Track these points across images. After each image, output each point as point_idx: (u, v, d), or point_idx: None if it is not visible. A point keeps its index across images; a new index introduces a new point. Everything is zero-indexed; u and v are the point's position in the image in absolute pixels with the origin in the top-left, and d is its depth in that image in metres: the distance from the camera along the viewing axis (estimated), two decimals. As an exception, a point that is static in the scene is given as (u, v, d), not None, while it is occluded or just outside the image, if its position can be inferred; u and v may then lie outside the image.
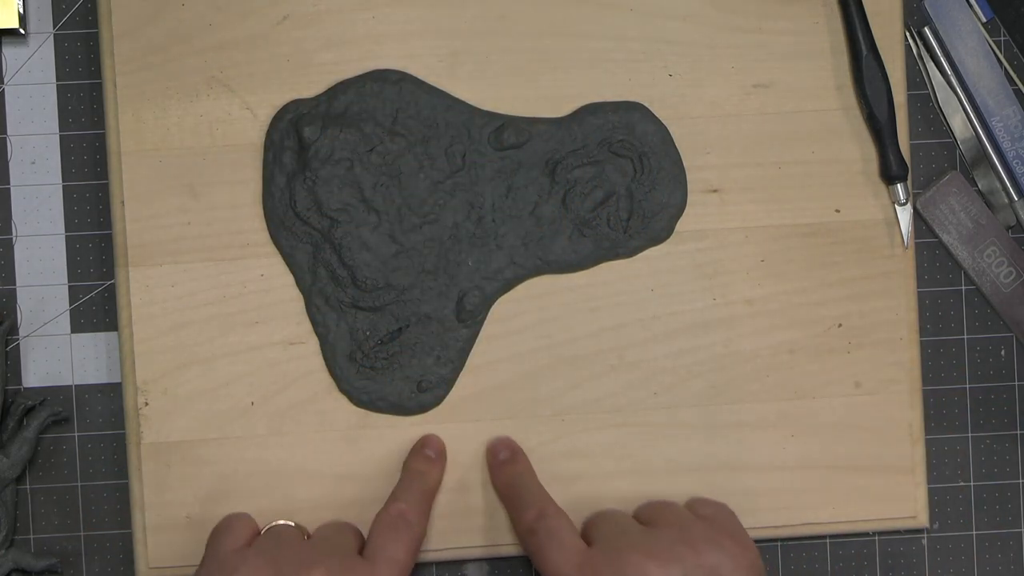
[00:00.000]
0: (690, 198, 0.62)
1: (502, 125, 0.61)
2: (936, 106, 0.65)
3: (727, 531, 0.57)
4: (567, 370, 0.62)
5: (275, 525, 0.59)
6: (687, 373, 0.62)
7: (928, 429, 0.64)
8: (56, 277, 0.63)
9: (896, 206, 0.62)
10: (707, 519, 0.58)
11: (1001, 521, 0.65)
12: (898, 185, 0.62)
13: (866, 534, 0.64)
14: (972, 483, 0.65)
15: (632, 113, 0.62)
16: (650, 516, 0.58)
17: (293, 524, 0.59)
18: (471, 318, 0.61)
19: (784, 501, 0.62)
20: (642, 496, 0.62)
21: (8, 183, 0.63)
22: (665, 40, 0.62)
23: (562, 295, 0.62)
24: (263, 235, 0.61)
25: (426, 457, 0.60)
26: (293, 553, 0.55)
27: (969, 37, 0.65)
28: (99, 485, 0.63)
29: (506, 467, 0.60)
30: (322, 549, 0.56)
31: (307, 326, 0.61)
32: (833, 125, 0.62)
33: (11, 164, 0.63)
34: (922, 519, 0.62)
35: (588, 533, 0.58)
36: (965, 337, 0.65)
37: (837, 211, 0.62)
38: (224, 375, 0.61)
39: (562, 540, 0.56)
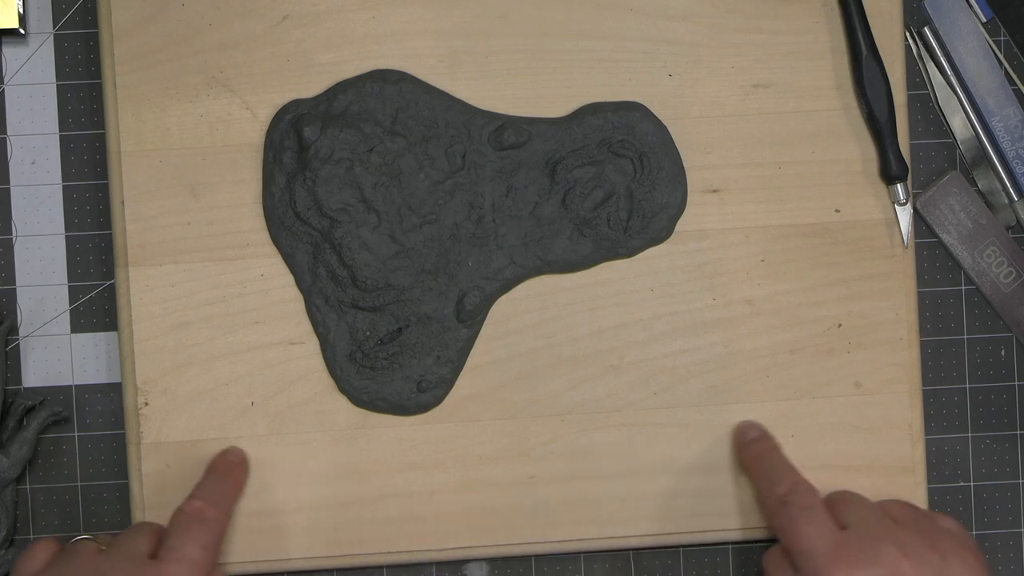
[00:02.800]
0: (690, 198, 0.62)
1: (502, 125, 0.61)
2: (936, 106, 0.65)
3: (971, 549, 0.57)
4: (567, 370, 0.62)
5: (72, 542, 0.58)
6: (687, 373, 0.62)
7: (928, 429, 0.64)
8: (56, 277, 0.63)
9: (896, 206, 0.62)
10: (950, 533, 0.57)
11: (1001, 521, 0.65)
12: (898, 185, 0.62)
13: (866, 534, 0.64)
14: (972, 483, 0.65)
15: (632, 113, 0.61)
16: (898, 514, 0.58)
17: (91, 537, 0.58)
18: (471, 318, 0.61)
19: (784, 501, 0.62)
20: (642, 496, 0.62)
21: (8, 183, 0.63)
22: (665, 40, 0.62)
23: (562, 295, 0.62)
24: (263, 235, 0.61)
25: (228, 460, 0.60)
26: (85, 568, 0.55)
27: (969, 37, 0.65)
28: (99, 485, 0.63)
29: (756, 444, 0.60)
30: (114, 559, 0.55)
31: (307, 326, 0.61)
32: (833, 125, 0.62)
33: (11, 164, 0.63)
34: (922, 519, 0.62)
35: (836, 513, 0.57)
36: (965, 337, 0.65)
37: (837, 211, 0.62)
38: (224, 375, 0.61)
39: (816, 516, 0.56)
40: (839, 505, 0.58)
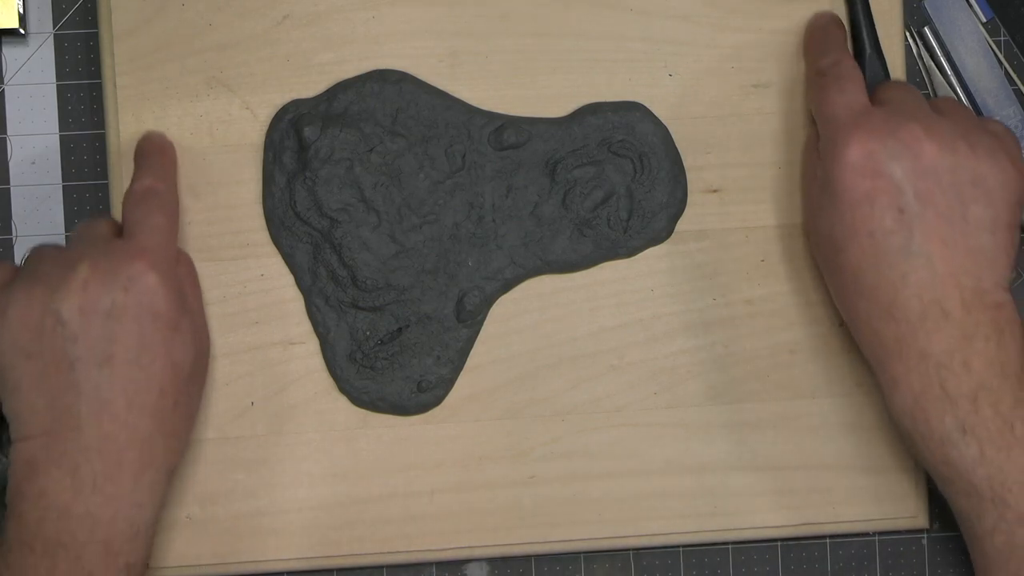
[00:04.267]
0: (690, 198, 0.62)
1: (502, 125, 0.61)
2: (936, 106, 0.65)
3: (1008, 151, 0.54)
4: (567, 370, 0.62)
5: (31, 249, 0.56)
6: (687, 373, 0.62)
7: (928, 429, 0.64)
8: (56, 277, 0.63)
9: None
10: (993, 134, 0.55)
11: (1001, 521, 0.65)
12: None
13: (866, 534, 0.64)
14: (972, 483, 0.65)
15: (632, 113, 0.62)
16: (942, 107, 0.56)
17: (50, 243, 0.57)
18: (471, 318, 0.61)
19: (784, 501, 0.62)
20: (642, 496, 0.62)
21: (8, 183, 0.63)
22: (665, 40, 0.62)
23: (562, 295, 0.62)
24: (263, 235, 0.61)
25: (153, 141, 0.59)
26: (54, 262, 0.54)
27: (969, 37, 0.65)
28: (99, 485, 0.63)
29: (824, 27, 0.59)
30: (81, 246, 0.54)
31: (307, 326, 0.61)
32: (833, 125, 0.62)
33: (11, 164, 0.63)
34: (922, 519, 0.62)
35: (876, 95, 0.57)
36: (965, 337, 0.65)
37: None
38: (224, 375, 0.61)
39: (848, 87, 0.55)
40: (881, 88, 0.57)
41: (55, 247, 0.56)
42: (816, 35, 0.60)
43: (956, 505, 0.54)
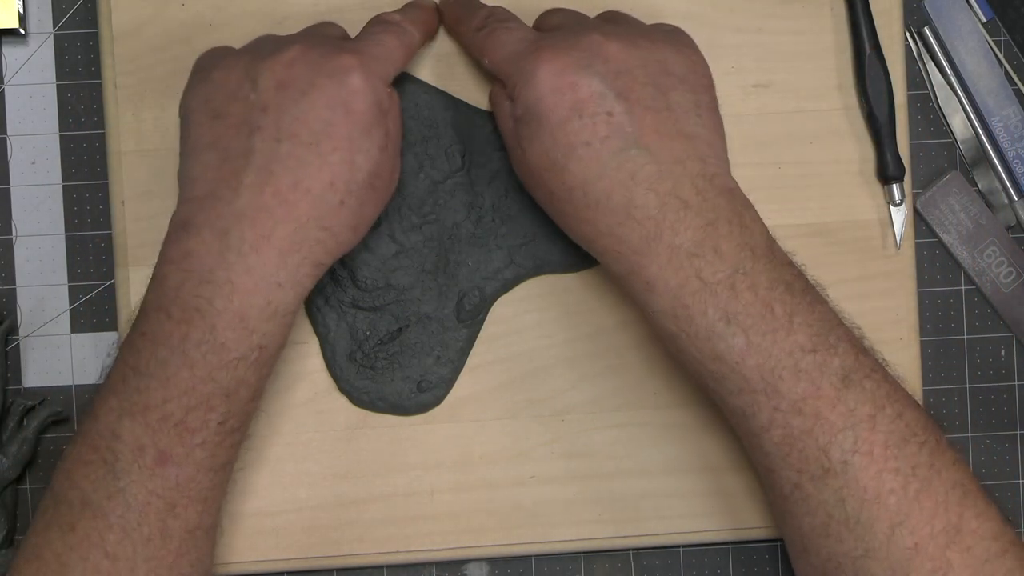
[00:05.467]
0: (690, 198, 0.62)
1: (502, 125, 0.61)
2: (936, 106, 0.65)
3: (685, 41, 0.56)
4: (567, 370, 0.62)
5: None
6: (687, 373, 0.62)
7: (928, 429, 0.64)
8: (56, 277, 0.63)
9: (891, 207, 0.62)
10: (666, 29, 0.56)
11: (1001, 521, 0.65)
12: (893, 185, 0.62)
13: (866, 534, 0.64)
14: (972, 483, 0.65)
15: (632, 113, 0.61)
16: (609, 16, 0.57)
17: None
18: (471, 318, 0.61)
19: (784, 501, 0.62)
20: (642, 496, 0.62)
21: (8, 183, 0.63)
22: (665, 40, 0.62)
23: (562, 295, 0.62)
24: (263, 235, 0.61)
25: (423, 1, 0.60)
26: (273, 41, 0.54)
27: (969, 37, 0.65)
28: (99, 485, 0.63)
29: (451, 3, 0.60)
30: (304, 34, 0.55)
31: (307, 326, 0.61)
32: (833, 125, 0.62)
33: (11, 164, 0.63)
34: (922, 519, 0.62)
35: (541, 25, 0.57)
36: (965, 337, 0.65)
37: (837, 211, 0.62)
38: (224, 375, 0.61)
39: (513, 26, 0.56)
40: (544, 17, 0.58)
41: (280, 35, 0.56)
42: (452, 7, 0.60)
43: (730, 405, 0.53)
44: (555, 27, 0.57)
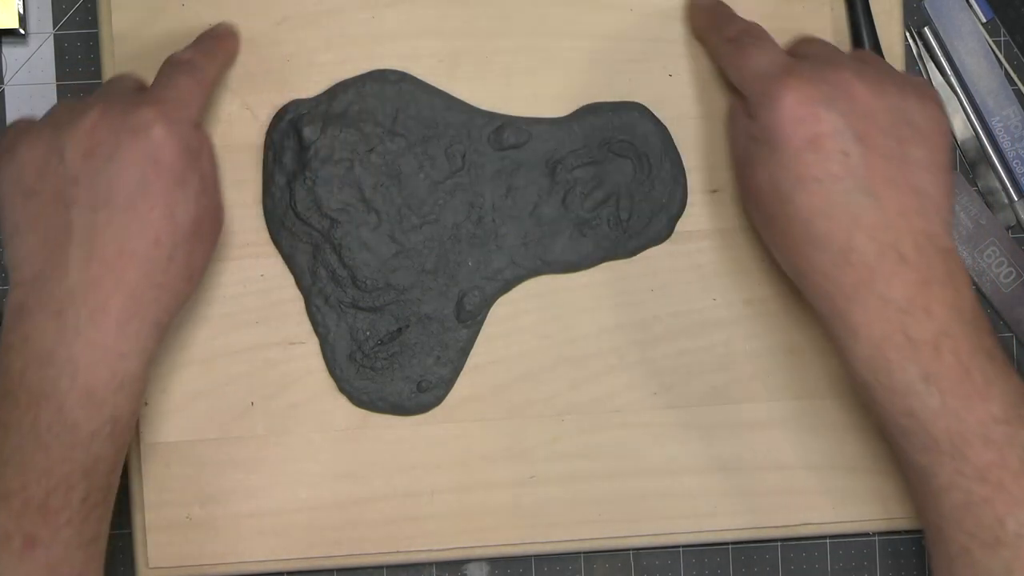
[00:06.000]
0: (690, 198, 0.62)
1: (502, 125, 0.61)
2: (936, 106, 0.65)
3: (931, 95, 0.55)
4: (567, 370, 0.62)
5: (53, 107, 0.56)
6: (687, 373, 0.62)
7: (928, 429, 0.64)
8: (56, 277, 0.63)
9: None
10: (914, 80, 0.55)
11: (1001, 521, 0.65)
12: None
13: (866, 534, 0.64)
14: (972, 483, 0.65)
15: (632, 113, 0.61)
16: (860, 55, 0.57)
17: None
18: (471, 318, 0.61)
19: (784, 501, 0.62)
20: (642, 496, 0.62)
21: (8, 183, 0.63)
22: (665, 40, 0.62)
23: (562, 295, 0.62)
24: (263, 235, 0.61)
25: (218, 30, 0.59)
26: (70, 108, 0.53)
27: (969, 37, 0.65)
28: (99, 485, 0.63)
29: (709, 5, 0.59)
30: (100, 95, 0.54)
31: (307, 326, 0.61)
32: (833, 125, 0.62)
33: (11, 164, 0.63)
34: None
35: (794, 51, 0.57)
36: (965, 337, 0.65)
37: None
38: (224, 375, 0.61)
39: (767, 45, 0.55)
40: (799, 44, 0.57)
41: (78, 98, 0.55)
42: (703, 13, 0.60)
43: (912, 462, 0.52)
44: (807, 56, 0.56)
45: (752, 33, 0.57)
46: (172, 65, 0.56)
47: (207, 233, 0.55)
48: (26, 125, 0.54)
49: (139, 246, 0.51)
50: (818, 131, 0.52)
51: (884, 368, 0.51)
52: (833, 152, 0.52)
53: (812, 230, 0.52)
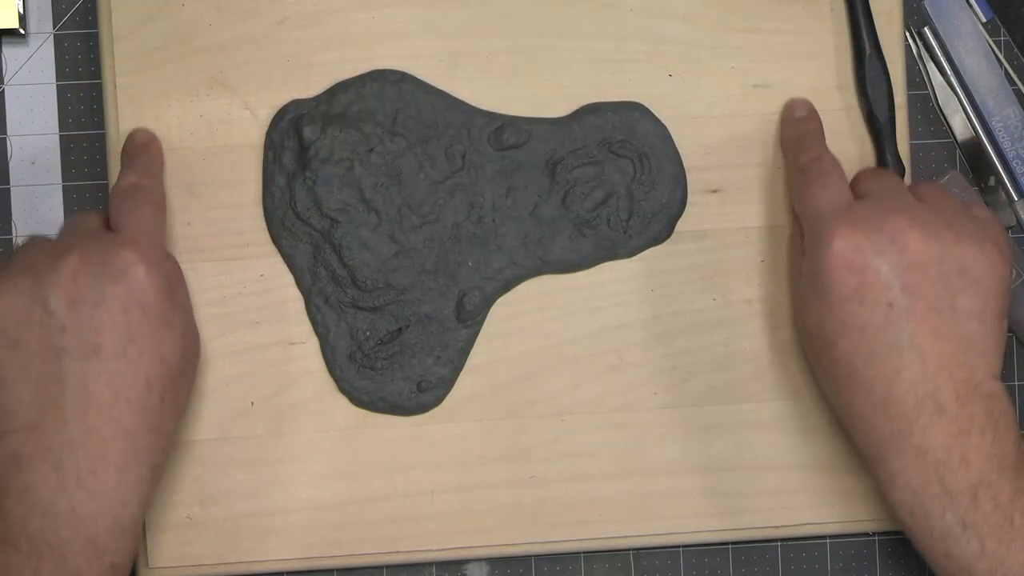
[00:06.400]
0: (690, 198, 0.62)
1: (502, 125, 0.61)
2: (936, 106, 0.65)
3: (993, 238, 0.54)
4: (567, 370, 0.62)
5: (23, 241, 0.56)
6: (687, 373, 0.62)
7: (928, 429, 0.64)
8: (56, 277, 0.63)
9: (895, 207, 0.62)
10: (977, 220, 0.55)
11: (1001, 521, 0.65)
12: (897, 186, 0.62)
13: (866, 534, 0.64)
14: (972, 483, 0.65)
15: (632, 113, 0.62)
16: (925, 194, 0.56)
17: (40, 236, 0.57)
18: (471, 318, 0.61)
19: (784, 501, 0.62)
20: (642, 496, 0.62)
21: (8, 183, 0.63)
22: (665, 40, 0.62)
23: (562, 295, 0.62)
24: (263, 235, 0.61)
25: (137, 140, 0.59)
26: (44, 252, 0.53)
27: (969, 37, 0.65)
28: (99, 485, 0.63)
29: (801, 123, 0.60)
30: (71, 237, 0.54)
31: (307, 326, 0.61)
32: (833, 125, 0.62)
33: (11, 164, 0.63)
34: (922, 519, 0.62)
35: (857, 186, 0.57)
36: (965, 337, 0.65)
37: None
38: (224, 375, 0.61)
39: (831, 182, 0.55)
40: (863, 178, 0.57)
41: (44, 238, 0.56)
42: (793, 129, 0.60)
43: None
44: (868, 193, 0.56)
45: (820, 164, 0.57)
46: (124, 195, 0.56)
47: (190, 369, 0.56)
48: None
49: (133, 392, 0.52)
50: (864, 280, 0.52)
51: (922, 515, 0.53)
52: (878, 303, 0.52)
53: (854, 377, 0.53)
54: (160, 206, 0.56)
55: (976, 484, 0.52)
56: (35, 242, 0.55)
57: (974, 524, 0.52)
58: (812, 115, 0.60)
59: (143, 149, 0.59)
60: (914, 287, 0.52)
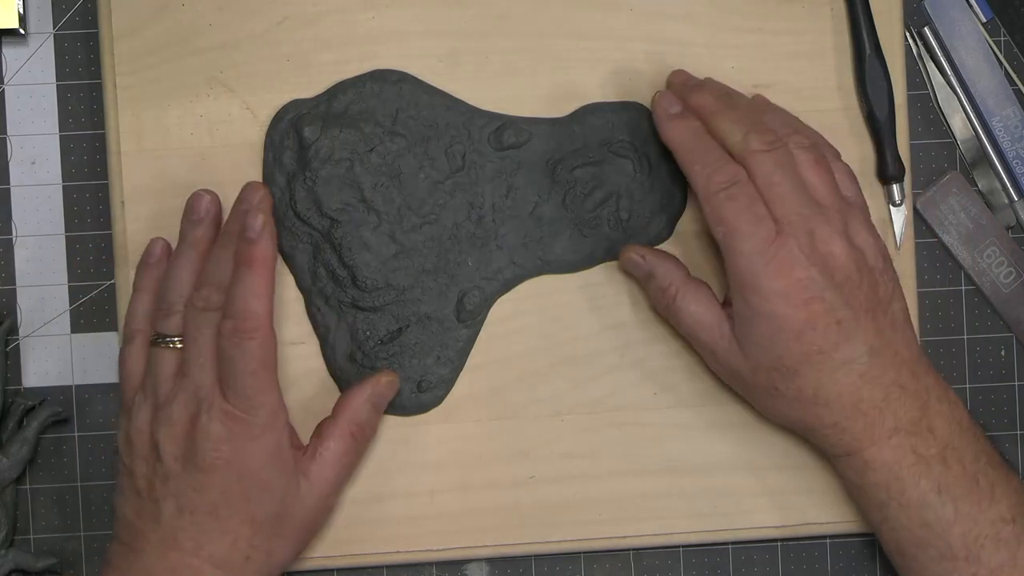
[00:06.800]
0: (690, 198, 0.62)
1: (502, 125, 0.61)
2: (936, 106, 0.65)
3: (864, 222, 0.57)
4: (567, 370, 0.62)
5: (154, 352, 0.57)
6: (687, 373, 0.62)
7: (928, 429, 0.64)
8: (56, 277, 0.63)
9: (891, 207, 0.62)
10: (845, 200, 0.57)
11: (1001, 521, 0.65)
12: (894, 186, 0.62)
13: (866, 534, 0.64)
14: (972, 483, 0.65)
15: (632, 113, 0.62)
16: (786, 132, 0.57)
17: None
18: (471, 318, 0.61)
19: (784, 501, 0.62)
20: (642, 496, 0.62)
21: (8, 183, 0.63)
22: (665, 40, 0.62)
23: (562, 295, 0.62)
24: (263, 235, 0.61)
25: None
26: (165, 389, 0.56)
27: (969, 37, 0.65)
28: (99, 485, 0.63)
29: (677, 122, 0.58)
30: (189, 394, 0.55)
31: (307, 326, 0.61)
32: (833, 125, 0.62)
33: (11, 164, 0.63)
34: (922, 519, 0.62)
35: (754, 176, 0.56)
36: (965, 337, 0.65)
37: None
38: (224, 375, 0.61)
39: (752, 215, 0.54)
40: (751, 164, 0.55)
41: (175, 368, 0.56)
42: (676, 131, 0.58)
43: (928, 571, 0.56)
44: (776, 198, 0.55)
45: (737, 190, 0.55)
46: (230, 342, 0.54)
47: (290, 533, 0.57)
48: (134, 392, 0.57)
49: (217, 549, 0.55)
50: (812, 311, 0.54)
51: (898, 487, 0.55)
52: (829, 325, 0.54)
53: (820, 394, 0.55)
54: (271, 350, 0.55)
55: (943, 448, 0.55)
56: (163, 374, 0.56)
57: (948, 487, 0.54)
58: (686, 112, 0.58)
59: (258, 197, 0.58)
60: (850, 298, 0.55)
